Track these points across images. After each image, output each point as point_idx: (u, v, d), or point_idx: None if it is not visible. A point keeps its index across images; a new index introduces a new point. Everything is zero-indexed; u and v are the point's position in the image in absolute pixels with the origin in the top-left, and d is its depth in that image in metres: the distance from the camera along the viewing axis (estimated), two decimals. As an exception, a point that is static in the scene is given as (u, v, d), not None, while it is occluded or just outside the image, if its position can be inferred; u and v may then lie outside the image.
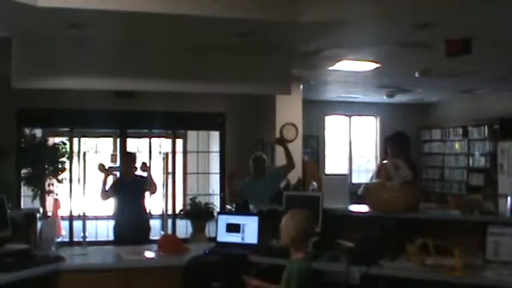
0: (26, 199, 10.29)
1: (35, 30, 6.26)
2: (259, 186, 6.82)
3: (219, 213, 6.35)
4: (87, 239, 10.21)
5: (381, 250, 4.59)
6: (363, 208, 5.30)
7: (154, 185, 7.30)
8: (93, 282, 4.65)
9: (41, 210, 5.81)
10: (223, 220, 5.34)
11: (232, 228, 5.23)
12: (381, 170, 5.43)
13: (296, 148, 10.11)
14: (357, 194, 5.68)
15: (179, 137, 13.19)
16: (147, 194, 7.39)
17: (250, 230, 5.16)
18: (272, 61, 7.36)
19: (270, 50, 7.17)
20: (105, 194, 7.21)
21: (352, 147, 15.24)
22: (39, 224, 5.43)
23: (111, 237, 7.65)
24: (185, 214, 11.15)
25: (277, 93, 9.44)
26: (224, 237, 5.28)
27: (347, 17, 5.71)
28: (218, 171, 12.18)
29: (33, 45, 6.65)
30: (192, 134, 13.46)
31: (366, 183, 5.65)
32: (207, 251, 5.10)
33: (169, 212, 11.21)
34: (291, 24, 5.90)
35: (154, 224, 7.91)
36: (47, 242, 5.08)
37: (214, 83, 7.35)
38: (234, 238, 5.21)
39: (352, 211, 5.34)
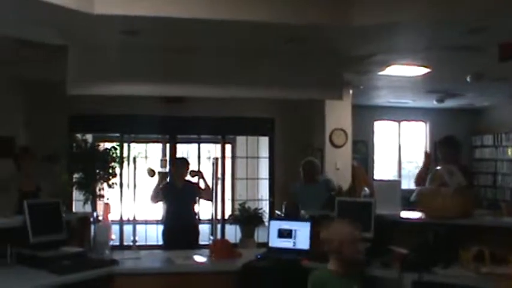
0: (77, 203, 10.44)
1: (90, 37, 6.38)
2: (309, 192, 6.82)
3: (270, 218, 6.37)
4: (137, 243, 10.30)
5: (433, 257, 4.53)
6: (415, 214, 5.24)
7: (209, 188, 7.33)
8: (146, 286, 4.70)
9: (95, 214, 5.87)
10: (275, 225, 5.34)
11: (284, 233, 5.24)
12: (434, 176, 5.36)
13: (345, 154, 10.09)
14: (408, 200, 5.62)
15: (228, 143, 13.23)
16: (197, 199, 7.44)
17: (302, 235, 5.15)
18: (323, 66, 7.30)
19: (320, 54, 7.13)
20: (156, 198, 7.28)
21: (401, 153, 15.08)
22: (92, 228, 5.52)
23: (160, 242, 7.71)
24: (234, 219, 11.19)
25: (328, 99, 9.38)
26: (276, 242, 5.29)
27: (400, 21, 5.65)
28: (267, 176, 12.20)
29: (87, 52, 6.75)
30: (240, 140, 13.49)
31: (419, 189, 5.59)
32: (259, 256, 5.11)
33: (218, 217, 11.24)
34: (343, 29, 5.88)
35: (203, 228, 7.93)
36: (101, 245, 5.15)
37: (264, 88, 7.33)
38: (285, 243, 5.21)
39: (404, 217, 5.27)
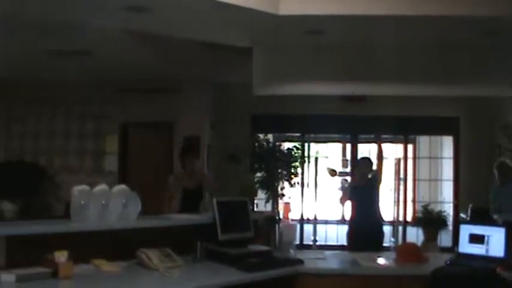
0: (259, 202, 10.66)
1: (275, 38, 6.47)
2: (505, 193, 6.47)
3: (460, 222, 6.08)
4: (317, 243, 10.37)
5: None
6: None
7: None
8: (332, 287, 4.64)
9: (280, 213, 5.94)
10: (466, 230, 5.06)
11: (476, 239, 4.95)
12: None
13: (538, 155, 9.45)
14: None
15: (409, 142, 12.90)
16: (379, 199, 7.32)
17: (495, 242, 4.83)
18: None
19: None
20: (343, 198, 7.28)
21: None
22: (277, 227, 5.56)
23: (340, 242, 7.66)
24: (417, 221, 10.90)
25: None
26: (466, 248, 5.00)
27: None
28: (451, 178, 11.73)
29: (272, 53, 6.86)
30: (423, 139, 13.12)
31: None
32: (448, 262, 4.87)
33: (400, 218, 11.01)
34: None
35: (384, 230, 7.77)
36: (286, 244, 5.17)
37: (452, 86, 7.04)
38: (477, 250, 4.91)
39: None
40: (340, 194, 7.37)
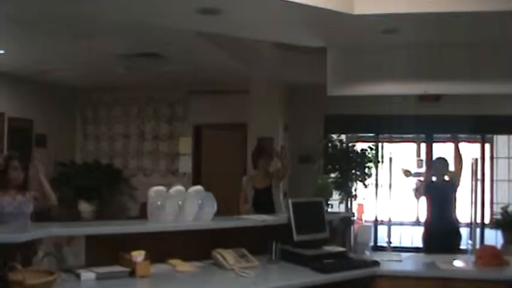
0: (333, 203, 10.59)
1: (349, 37, 6.39)
2: None
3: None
4: (391, 245, 10.23)
5: None
6: None
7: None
8: (409, 289, 4.57)
9: (355, 214, 5.89)
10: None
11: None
12: None
13: None
14: None
15: (486, 142, 12.56)
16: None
17: None
18: None
19: None
20: (417, 193, 7.17)
21: None
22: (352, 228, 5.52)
23: (415, 244, 7.51)
24: (496, 224, 10.60)
25: None
26: (550, 251, 4.84)
27: None
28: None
29: (347, 52, 6.77)
30: (500, 138, 12.78)
31: None
32: (532, 266, 4.71)
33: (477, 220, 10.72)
34: None
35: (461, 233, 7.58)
36: (362, 246, 5.12)
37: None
38: (562, 253, 4.75)
39: None
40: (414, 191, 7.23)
